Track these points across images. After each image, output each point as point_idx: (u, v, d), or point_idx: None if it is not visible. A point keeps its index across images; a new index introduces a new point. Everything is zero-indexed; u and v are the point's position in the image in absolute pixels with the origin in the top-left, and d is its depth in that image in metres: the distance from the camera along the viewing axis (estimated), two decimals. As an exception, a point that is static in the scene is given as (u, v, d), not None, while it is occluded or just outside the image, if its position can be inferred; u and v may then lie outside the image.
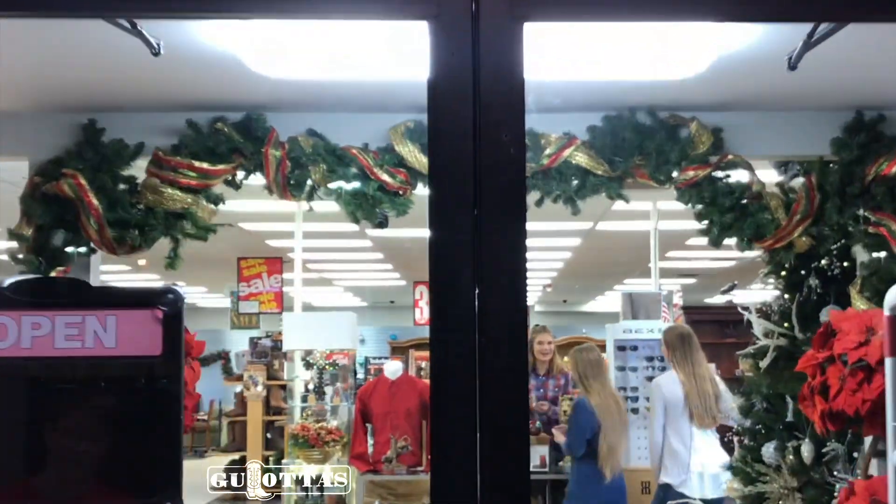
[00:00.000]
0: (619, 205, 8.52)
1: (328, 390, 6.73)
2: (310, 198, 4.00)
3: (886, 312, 2.13)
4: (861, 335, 2.52)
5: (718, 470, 4.90)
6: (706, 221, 3.77)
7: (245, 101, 3.91)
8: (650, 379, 6.24)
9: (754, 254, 12.02)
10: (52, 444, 1.68)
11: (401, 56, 3.23)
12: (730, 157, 3.74)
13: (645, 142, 3.73)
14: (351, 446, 6.16)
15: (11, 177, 4.48)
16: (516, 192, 1.67)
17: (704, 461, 4.92)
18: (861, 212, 3.54)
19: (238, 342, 14.89)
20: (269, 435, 11.00)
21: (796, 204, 3.64)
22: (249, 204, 8.81)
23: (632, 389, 6.29)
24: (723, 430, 5.04)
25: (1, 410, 1.72)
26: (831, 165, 3.69)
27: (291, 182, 3.93)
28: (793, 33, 2.81)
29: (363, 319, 20.14)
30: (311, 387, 6.58)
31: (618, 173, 3.74)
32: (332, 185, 3.89)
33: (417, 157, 3.81)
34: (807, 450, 3.74)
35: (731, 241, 3.87)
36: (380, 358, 12.19)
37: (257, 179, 4.03)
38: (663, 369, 6.24)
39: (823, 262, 4.00)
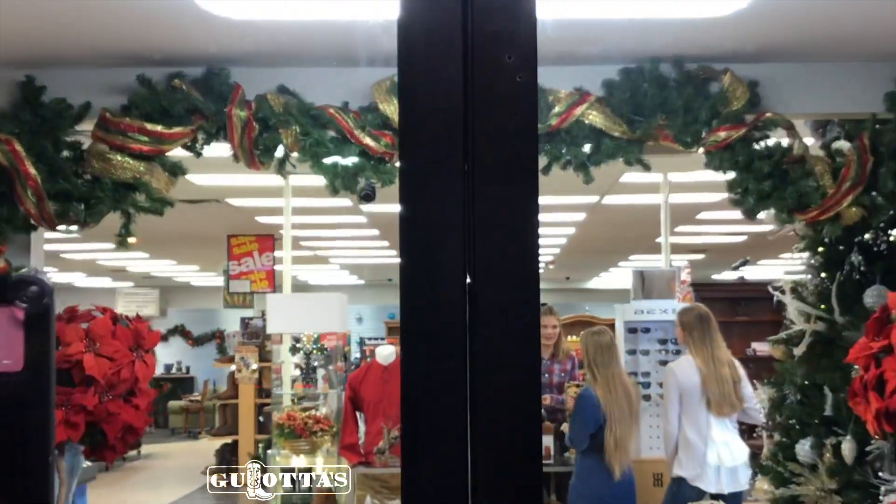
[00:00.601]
0: (627, 176, 8.18)
1: (320, 373, 6.27)
2: (281, 166, 3.49)
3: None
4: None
5: (737, 463, 4.44)
6: (739, 190, 3.24)
7: (205, 52, 3.43)
8: (663, 363, 5.77)
9: (767, 227, 11.41)
10: None
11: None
12: (768, 115, 3.22)
13: (670, 98, 3.22)
14: (340, 436, 5.70)
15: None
16: (525, 139, 1.11)
17: (722, 454, 4.46)
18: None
19: (234, 322, 14.56)
20: (261, 418, 10.57)
21: (846, 169, 3.12)
22: (237, 178, 8.36)
23: (643, 374, 5.80)
24: (750, 428, 4.57)
25: None
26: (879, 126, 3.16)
27: (259, 147, 3.43)
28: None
29: (361, 298, 19.83)
30: (297, 373, 6.11)
31: (637, 135, 3.23)
32: (307, 151, 3.38)
33: (404, 117, 3.30)
34: (848, 448, 3.29)
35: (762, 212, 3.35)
36: (375, 339, 11.70)
37: (221, 146, 3.53)
38: (678, 353, 5.77)
39: (867, 235, 3.49)
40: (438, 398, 1.04)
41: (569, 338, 6.05)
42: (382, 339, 11.87)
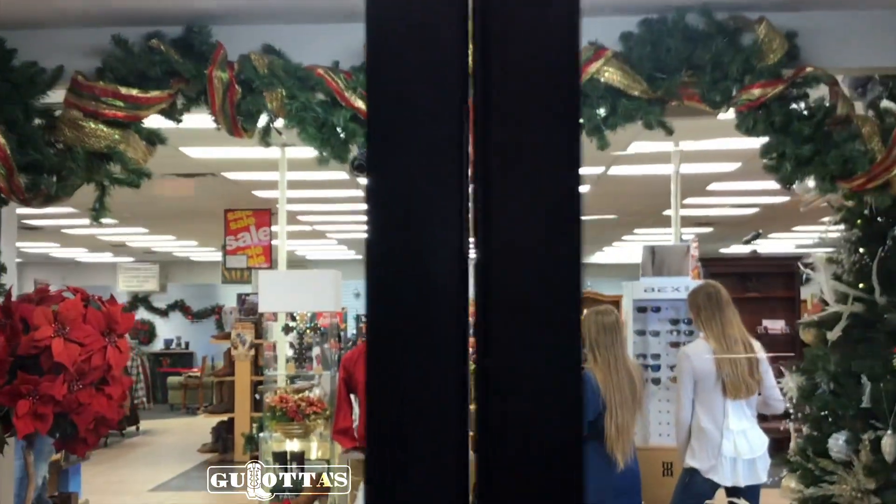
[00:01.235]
0: (635, 146, 7.86)
1: (315, 351, 6.00)
2: (266, 132, 3.19)
3: None
4: None
5: (756, 455, 4.17)
6: (774, 155, 2.92)
7: (184, 9, 3.11)
8: (674, 345, 5.50)
9: (782, 199, 11.03)
10: None
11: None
12: (808, 69, 2.90)
13: (696, 52, 2.91)
14: (334, 420, 5.44)
15: None
16: (565, 53, 0.74)
17: (739, 444, 4.17)
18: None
19: (233, 297, 14.36)
20: (257, 396, 10.35)
21: (897, 131, 2.80)
22: (232, 151, 8.07)
23: (653, 357, 5.52)
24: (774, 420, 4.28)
25: None
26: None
27: (242, 111, 3.13)
28: None
29: (359, 273, 19.46)
30: (291, 353, 5.84)
31: (659, 94, 2.92)
32: (294, 116, 3.07)
33: (401, 77, 2.99)
34: (889, 443, 3.03)
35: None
36: (374, 315, 11.41)
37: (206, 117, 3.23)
38: (690, 333, 5.49)
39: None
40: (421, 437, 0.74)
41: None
42: (382, 315, 11.58)
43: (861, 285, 3.23)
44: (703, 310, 4.36)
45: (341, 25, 3.11)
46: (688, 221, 11.84)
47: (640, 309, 5.59)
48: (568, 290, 0.74)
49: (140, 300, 19.68)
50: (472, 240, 0.74)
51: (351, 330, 13.41)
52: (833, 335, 3.27)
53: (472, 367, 0.77)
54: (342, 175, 9.29)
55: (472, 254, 0.75)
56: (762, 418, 4.33)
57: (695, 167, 8.52)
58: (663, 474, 4.81)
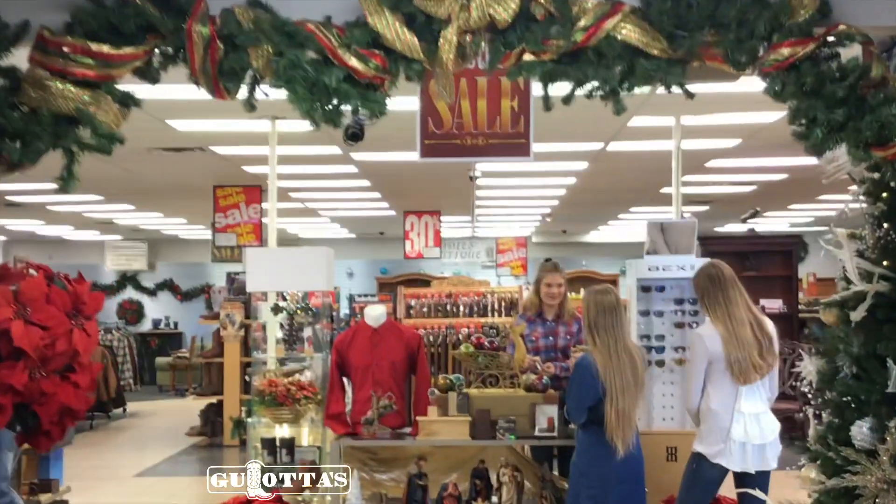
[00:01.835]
0: (635, 120, 7.59)
1: (306, 332, 5.76)
2: (251, 93, 2.94)
3: None
4: None
5: (767, 440, 3.99)
6: (804, 121, 2.69)
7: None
8: (679, 325, 5.31)
9: (779, 177, 10.81)
10: None
11: None
12: (841, 27, 2.67)
13: (720, 8, 2.68)
14: (326, 405, 5.21)
15: None
16: None
17: (750, 428, 4.00)
18: None
19: (223, 276, 14.12)
20: (247, 378, 10.13)
21: (937, 95, 2.57)
22: (221, 124, 7.80)
23: (657, 338, 5.31)
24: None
25: None
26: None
27: (224, 70, 2.88)
28: None
29: (352, 252, 19.31)
30: (280, 334, 5.60)
31: (680, 53, 2.69)
32: (281, 75, 2.82)
33: (400, 33, 2.74)
34: (917, 430, 2.81)
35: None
36: (366, 295, 11.21)
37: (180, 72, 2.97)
38: (695, 314, 5.29)
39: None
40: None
41: (571, 295, 5.54)
42: (373, 295, 11.35)
43: (886, 263, 3.02)
44: (706, 293, 4.17)
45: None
46: (684, 200, 11.63)
47: (644, 288, 5.38)
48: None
49: (128, 279, 19.39)
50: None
51: (344, 310, 13.18)
52: (857, 315, 3.06)
53: None
54: (335, 150, 9.00)
55: None
56: None
57: (694, 143, 8.30)
58: (667, 459, 4.64)
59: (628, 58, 2.70)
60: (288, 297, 5.60)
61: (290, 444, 5.27)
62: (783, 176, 10.29)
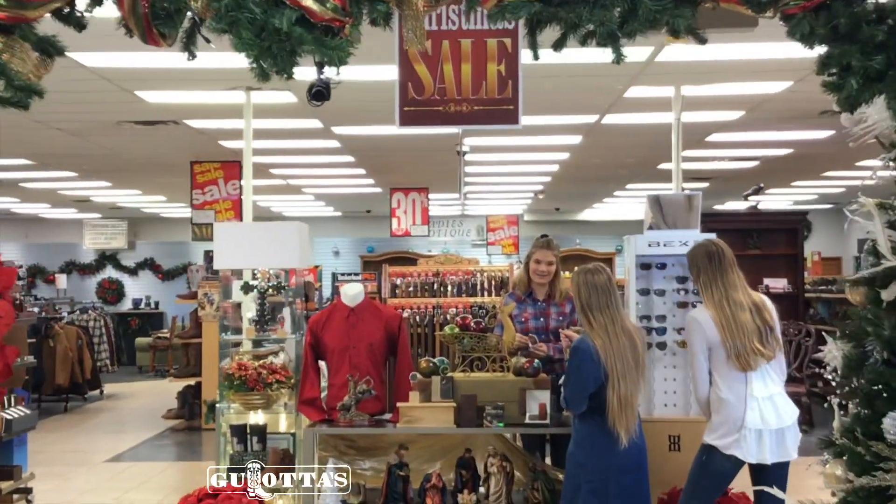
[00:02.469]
0: (632, 91, 7.17)
1: (285, 312, 5.36)
2: (189, 41, 2.52)
3: None
4: None
5: (784, 425, 3.64)
6: (836, 70, 2.29)
7: None
8: (682, 305, 4.94)
9: (784, 151, 10.39)
10: None
11: None
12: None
13: (740, -67, 2.24)
14: (299, 390, 4.84)
15: None
16: None
17: (765, 413, 3.65)
18: None
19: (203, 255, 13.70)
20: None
21: None
22: (193, 95, 7.35)
23: (658, 318, 4.93)
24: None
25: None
26: None
27: (159, 13, 2.45)
28: None
29: (338, 230, 18.87)
30: (250, 316, 5.21)
31: (691, -10, 2.27)
32: (224, 18, 2.40)
33: (362, -35, 2.33)
34: (957, 424, 2.46)
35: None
36: (350, 274, 10.83)
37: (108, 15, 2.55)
38: (698, 293, 4.90)
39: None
40: None
41: (564, 273, 5.16)
42: (357, 274, 10.95)
43: (920, 236, 2.64)
44: (702, 272, 3.84)
45: None
46: (684, 176, 11.25)
47: (644, 265, 5.00)
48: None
49: (107, 258, 18.94)
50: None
51: (327, 289, 12.80)
52: (889, 294, 2.70)
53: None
54: (316, 123, 8.57)
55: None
56: None
57: (694, 115, 7.90)
58: (670, 449, 4.29)
59: (629, -5, 2.29)
60: (259, 275, 5.20)
61: (261, 432, 4.92)
62: (787, 151, 9.90)
